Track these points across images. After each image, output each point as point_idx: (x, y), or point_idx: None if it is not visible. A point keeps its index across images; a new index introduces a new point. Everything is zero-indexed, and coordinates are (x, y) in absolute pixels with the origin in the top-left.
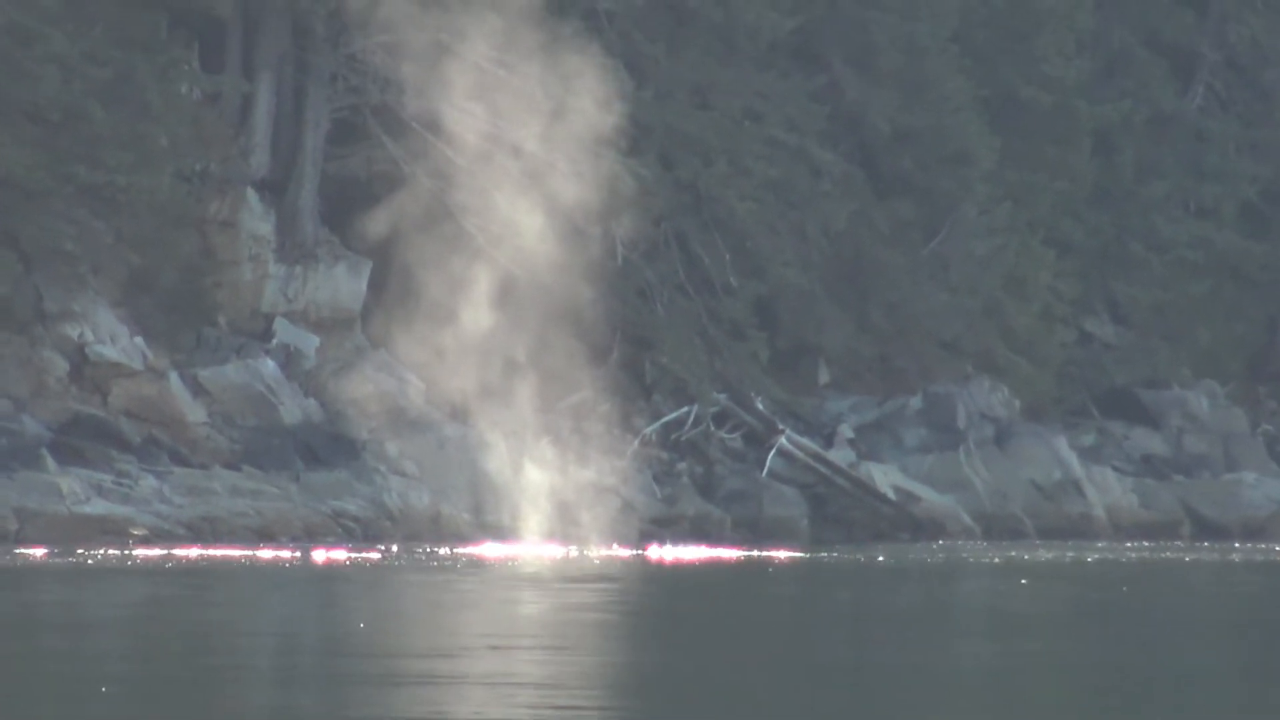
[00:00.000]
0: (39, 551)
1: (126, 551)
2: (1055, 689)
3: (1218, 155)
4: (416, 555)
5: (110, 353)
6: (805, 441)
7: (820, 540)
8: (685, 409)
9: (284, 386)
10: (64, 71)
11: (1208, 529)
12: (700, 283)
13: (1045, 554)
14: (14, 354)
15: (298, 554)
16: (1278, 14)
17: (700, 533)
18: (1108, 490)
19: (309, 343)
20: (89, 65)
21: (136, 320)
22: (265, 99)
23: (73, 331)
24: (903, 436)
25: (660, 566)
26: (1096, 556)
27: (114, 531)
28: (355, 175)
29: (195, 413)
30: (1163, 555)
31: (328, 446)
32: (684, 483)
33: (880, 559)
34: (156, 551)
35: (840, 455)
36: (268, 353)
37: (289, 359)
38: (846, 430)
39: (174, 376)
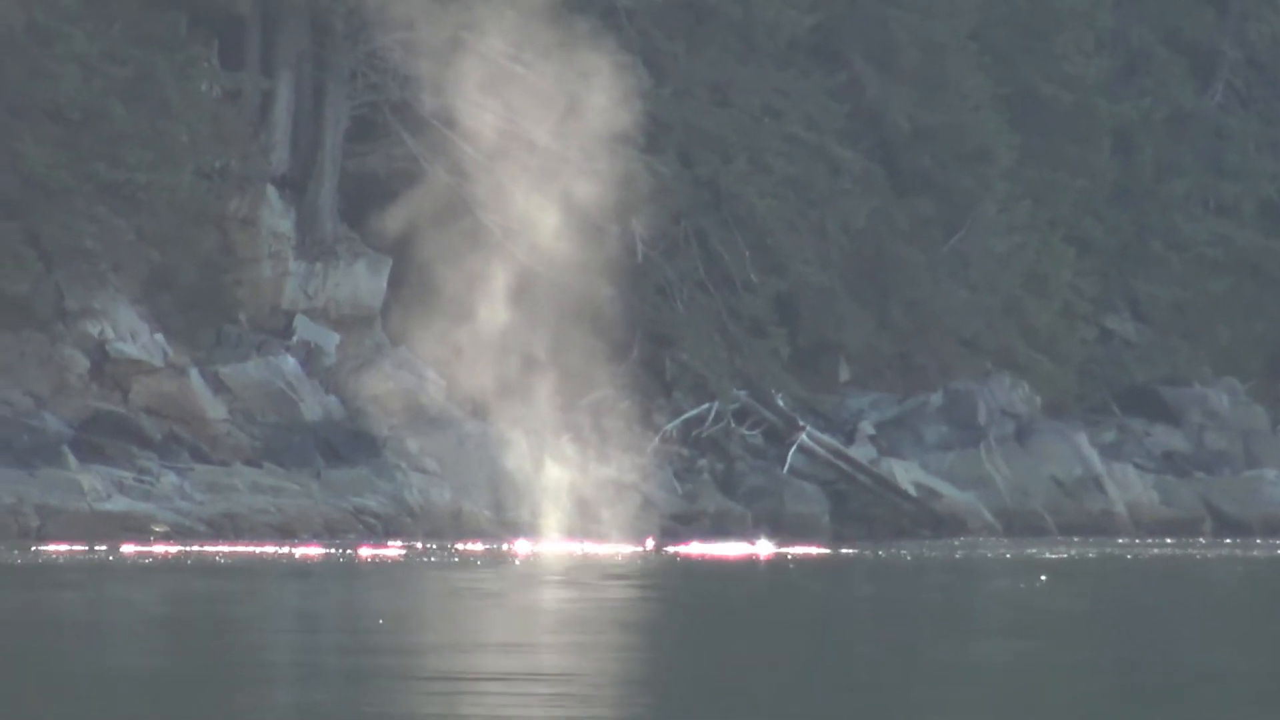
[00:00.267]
0: (60, 548)
1: (147, 548)
2: (1075, 687)
3: (1238, 153)
4: (443, 550)
5: (131, 350)
6: (826, 438)
7: (841, 537)
8: (706, 406)
9: (304, 383)
10: (84, 70)
11: (1228, 526)
12: (720, 280)
13: (1066, 551)
14: (35, 352)
15: (337, 550)
16: None
17: (721, 529)
18: (1129, 487)
19: (329, 340)
20: (109, 64)
21: (157, 317)
22: (285, 96)
23: (93, 329)
24: (923, 433)
25: (680, 562)
26: (1117, 553)
27: (135, 528)
28: (374, 172)
29: (216, 410)
30: (1184, 552)
31: (348, 443)
32: (705, 479)
33: (902, 555)
34: (176, 548)
35: (861, 452)
36: (288, 350)
37: (309, 356)
38: (867, 427)
39: (194, 373)
